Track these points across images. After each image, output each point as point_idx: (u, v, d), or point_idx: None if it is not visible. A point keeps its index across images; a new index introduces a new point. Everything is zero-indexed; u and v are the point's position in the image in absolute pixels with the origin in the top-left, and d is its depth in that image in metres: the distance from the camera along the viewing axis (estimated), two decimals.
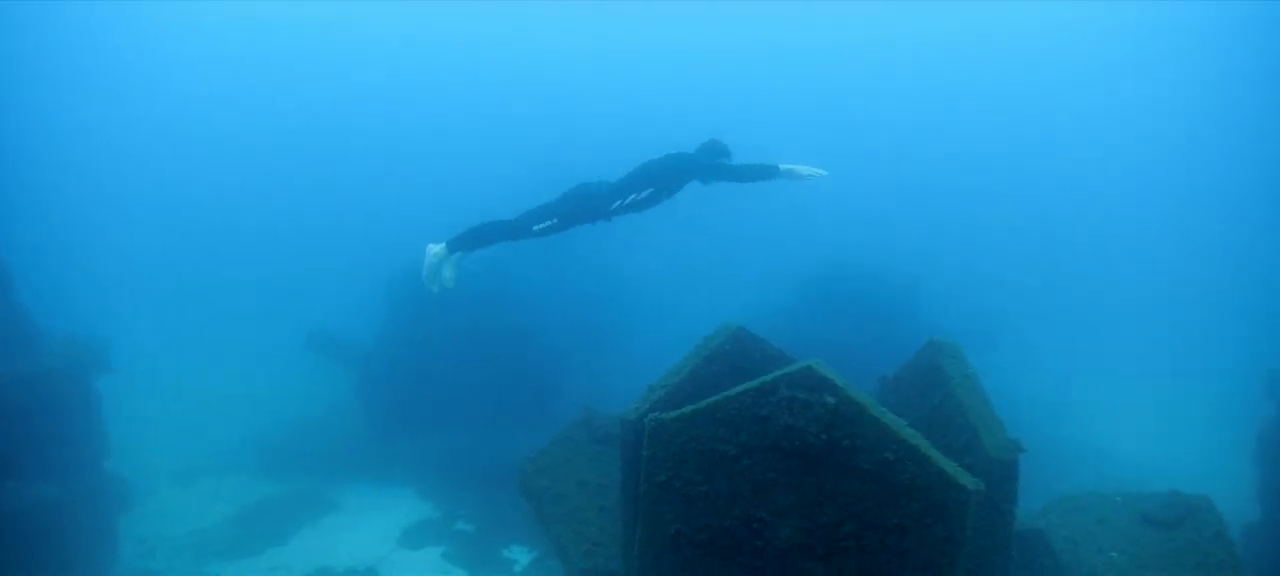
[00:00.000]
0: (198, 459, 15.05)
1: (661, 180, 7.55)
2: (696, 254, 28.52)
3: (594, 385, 13.94)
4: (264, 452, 15.19)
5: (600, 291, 18.88)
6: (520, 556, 11.44)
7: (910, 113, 40.09)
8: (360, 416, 15.70)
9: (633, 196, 7.51)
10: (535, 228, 7.52)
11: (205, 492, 13.78)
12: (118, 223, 36.53)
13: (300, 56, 45.51)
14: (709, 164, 7.60)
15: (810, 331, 15.90)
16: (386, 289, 16.90)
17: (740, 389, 4.61)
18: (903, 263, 18.05)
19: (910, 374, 5.64)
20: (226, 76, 44.13)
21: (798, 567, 4.57)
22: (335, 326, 17.30)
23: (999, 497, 4.60)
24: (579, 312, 18.18)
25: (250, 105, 44.68)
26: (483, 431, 14.50)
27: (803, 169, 7.53)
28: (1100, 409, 19.23)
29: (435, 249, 7.49)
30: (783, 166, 7.51)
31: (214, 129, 43.55)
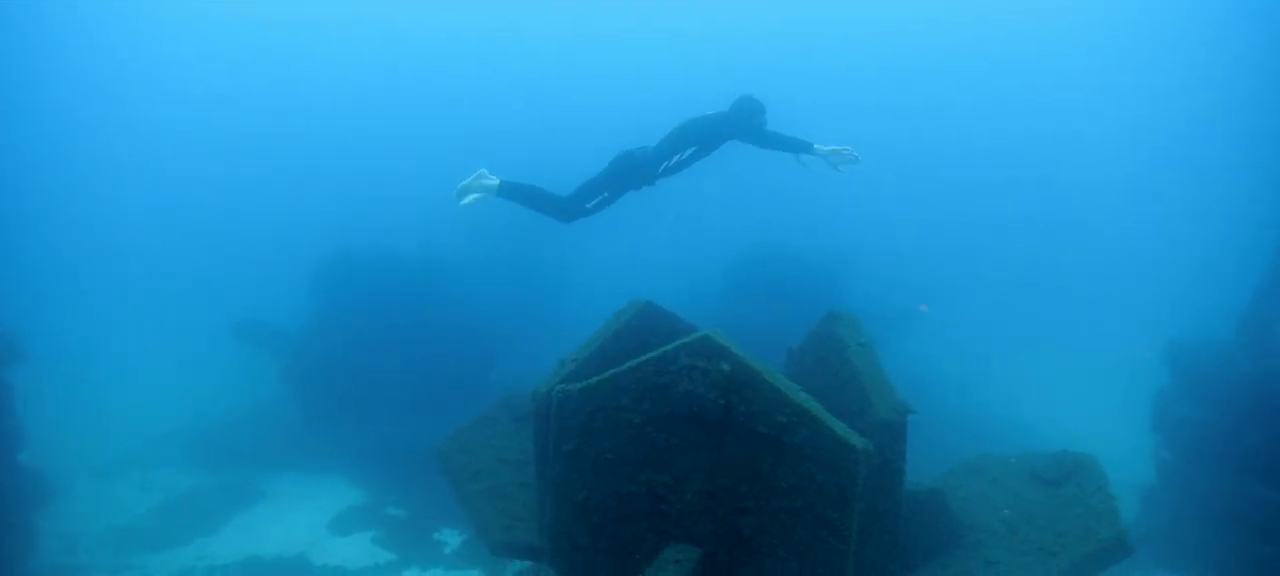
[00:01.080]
0: (122, 452, 14.75)
1: (701, 139, 7.77)
2: (630, 239, 28.70)
3: (528, 369, 14.02)
4: (191, 444, 14.98)
5: (534, 277, 18.95)
6: (451, 539, 11.49)
7: (838, 96, 40.69)
8: (290, 405, 15.55)
9: (676, 157, 7.74)
10: (588, 205, 7.76)
11: (130, 486, 13.53)
12: (38, 211, 35.38)
13: (251, 45, 44.51)
14: (748, 125, 7.75)
15: (739, 312, 16.23)
16: (316, 275, 16.76)
17: (642, 359, 4.76)
18: (827, 244, 18.43)
19: (813, 344, 5.84)
20: (163, 64, 42.96)
21: (701, 528, 4.74)
22: (262, 314, 17.09)
23: (890, 456, 4.82)
24: (513, 298, 18.25)
25: (179, 94, 43.55)
26: (415, 417, 14.48)
27: (835, 149, 7.75)
28: (1021, 382, 19.92)
29: (489, 179, 7.60)
30: (818, 147, 7.74)
31: (138, 115, 42.38)
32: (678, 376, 4.63)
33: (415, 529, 11.84)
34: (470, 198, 7.57)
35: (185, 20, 42.85)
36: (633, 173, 7.68)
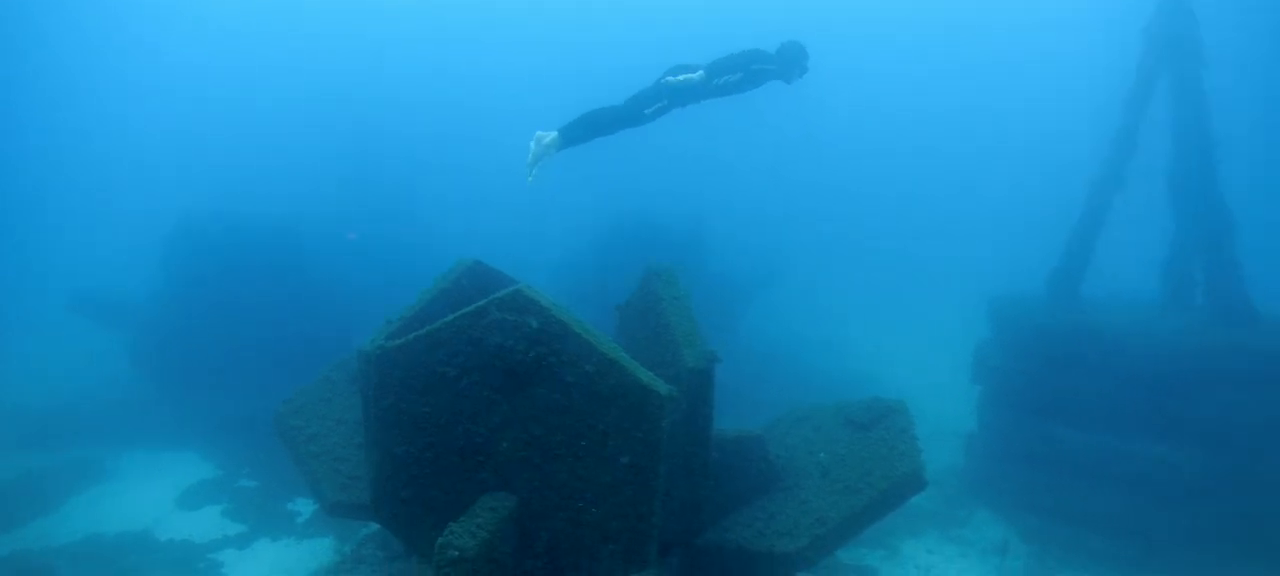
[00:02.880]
0: None
1: (748, 69, 8.04)
2: (499, 210, 28.64)
3: None
4: (26, 422, 14.21)
5: (393, 247, 18.67)
6: (304, 508, 11.35)
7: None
8: (136, 379, 14.94)
9: (726, 77, 7.98)
10: (647, 111, 7.94)
11: None
12: None
13: None
14: (789, 68, 8.16)
15: (607, 280, 16.43)
16: (165, 245, 16.08)
17: (456, 315, 4.88)
18: (691, 211, 18.83)
19: (635, 299, 6.08)
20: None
21: (518, 477, 4.91)
22: (103, 286, 16.31)
23: (698, 402, 5.08)
24: (375, 269, 17.95)
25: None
26: (274, 388, 14.09)
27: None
28: (875, 338, 20.96)
29: (546, 136, 7.71)
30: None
31: None
32: (489, 330, 4.76)
33: (268, 499, 11.64)
34: (537, 167, 7.77)
35: None
36: (685, 87, 7.89)
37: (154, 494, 12.02)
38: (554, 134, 7.81)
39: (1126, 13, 11.02)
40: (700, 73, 7.97)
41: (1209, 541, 9.18)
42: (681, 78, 7.94)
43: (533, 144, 7.80)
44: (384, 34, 42.31)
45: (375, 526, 7.91)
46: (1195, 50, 9.93)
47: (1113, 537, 9.39)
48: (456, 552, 4.25)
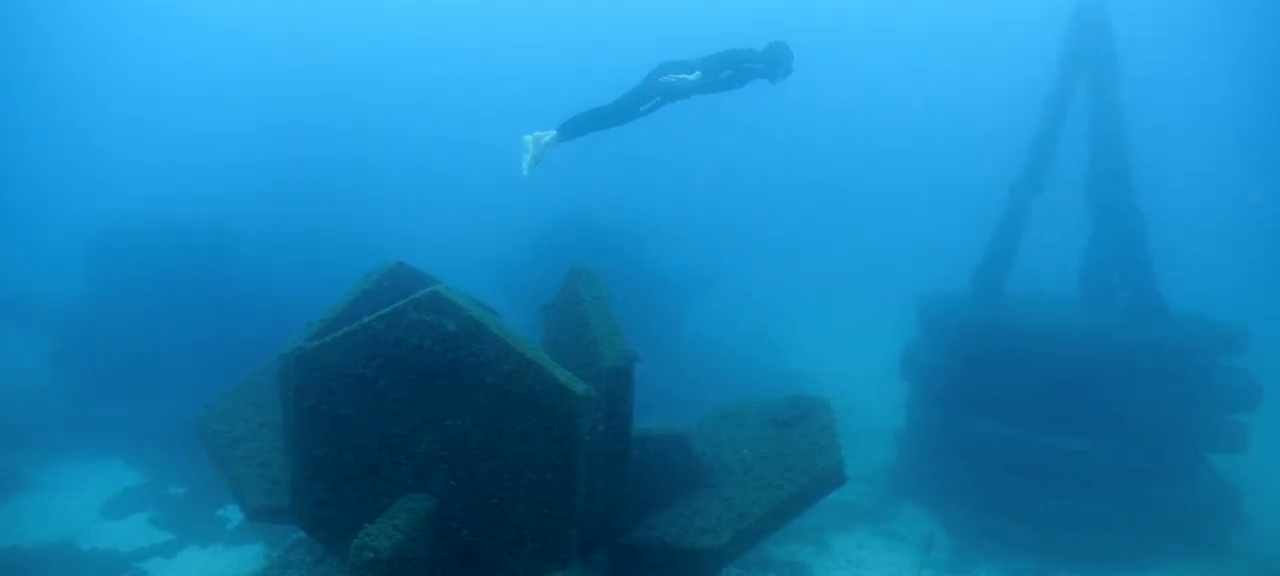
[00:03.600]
0: None
1: (739, 67, 8.20)
2: (434, 213, 28.54)
3: None
4: None
5: (329, 250, 18.44)
6: (234, 515, 11.15)
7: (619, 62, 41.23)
8: (58, 385, 14.53)
9: (718, 75, 8.15)
10: (642, 108, 8.08)
11: None
12: None
13: None
14: (775, 68, 8.29)
15: (545, 283, 16.41)
16: (89, 247, 15.67)
17: (374, 316, 4.87)
18: (630, 211, 18.93)
19: (559, 300, 6.12)
20: None
21: (437, 478, 4.91)
22: (23, 289, 15.83)
23: (617, 401, 5.13)
24: (309, 270, 17.71)
25: None
26: (205, 393, 13.82)
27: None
28: (812, 336, 21.27)
29: (544, 136, 7.89)
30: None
31: None
32: (408, 331, 4.76)
33: (196, 506, 11.43)
34: (530, 160, 7.91)
35: None
36: (676, 87, 8.02)
37: (77, 503, 11.73)
38: (552, 133, 7.93)
39: (1050, 17, 11.32)
40: (697, 74, 8.10)
41: (1122, 529, 9.52)
42: (678, 77, 8.06)
43: (531, 142, 7.91)
44: (322, 32, 41.77)
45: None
46: (1110, 60, 10.28)
47: (1034, 528, 9.67)
48: (371, 554, 4.25)
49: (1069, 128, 10.65)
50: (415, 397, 4.84)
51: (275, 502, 6.19)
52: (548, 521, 4.84)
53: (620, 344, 5.27)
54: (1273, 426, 11.03)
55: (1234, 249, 27.88)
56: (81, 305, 15.09)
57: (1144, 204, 10.34)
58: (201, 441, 6.97)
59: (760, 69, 8.31)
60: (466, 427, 4.81)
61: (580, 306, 5.61)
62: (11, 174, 33.01)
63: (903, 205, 33.96)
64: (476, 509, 4.89)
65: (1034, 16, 12.40)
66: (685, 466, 6.27)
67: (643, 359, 5.19)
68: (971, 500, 10.10)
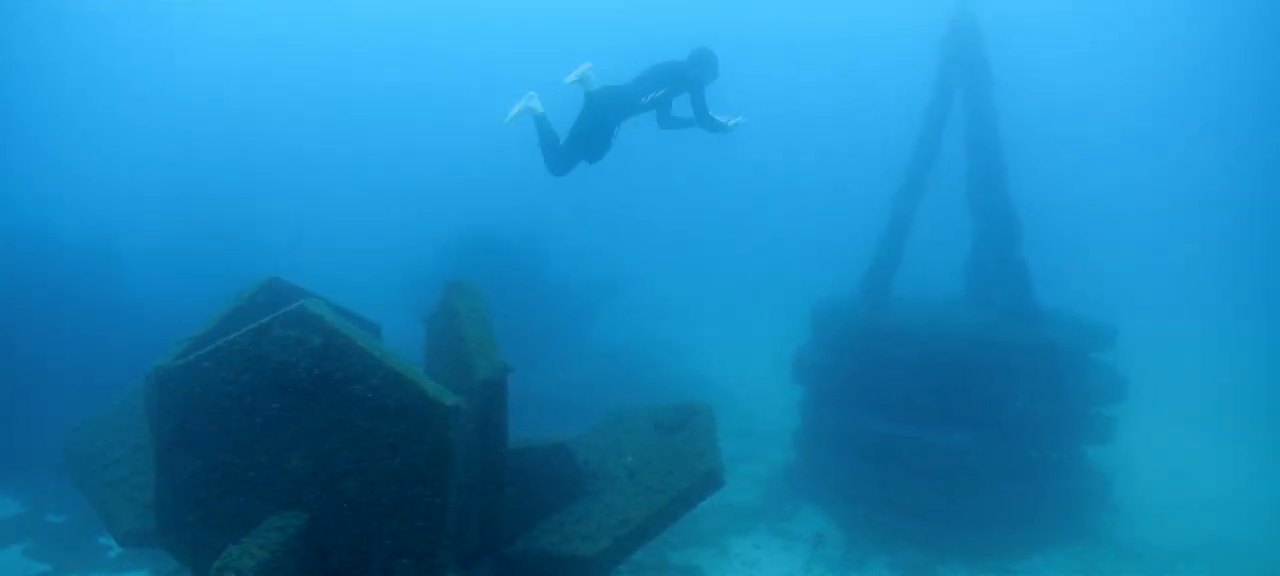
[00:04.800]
0: None
1: (671, 82, 8.37)
2: (340, 227, 28.08)
3: None
4: None
5: (225, 264, 17.93)
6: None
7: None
8: None
9: (655, 93, 8.34)
10: (604, 156, 8.39)
11: None
12: None
13: None
14: (698, 77, 8.42)
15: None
16: None
17: (240, 332, 4.81)
18: (532, 222, 18.91)
19: (439, 313, 6.11)
20: None
21: (307, 495, 4.86)
22: None
23: (490, 412, 5.16)
24: (200, 287, 17.18)
25: None
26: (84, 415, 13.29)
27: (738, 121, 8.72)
28: (719, 342, 21.57)
29: (537, 106, 8.22)
30: (726, 119, 8.59)
31: None
32: (273, 347, 4.72)
33: (77, 535, 10.97)
34: (517, 109, 8.16)
35: None
36: (617, 107, 8.20)
37: None
38: (541, 110, 8.29)
39: (933, 25, 11.71)
40: (650, 96, 8.39)
41: (1002, 520, 9.94)
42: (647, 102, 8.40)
43: (528, 99, 8.30)
44: (226, 38, 40.57)
45: None
46: (985, 68, 10.73)
47: (921, 522, 10.01)
48: (233, 574, 4.19)
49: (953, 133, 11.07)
50: (283, 414, 4.79)
51: (148, 526, 6.03)
52: (421, 535, 4.84)
53: (494, 356, 5.30)
54: (1136, 417, 11.67)
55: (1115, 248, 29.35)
56: None
57: (1019, 207, 10.81)
58: (68, 465, 6.76)
59: (693, 77, 8.43)
60: (336, 443, 4.78)
61: (456, 319, 5.63)
62: None
63: (807, 208, 34.65)
64: (348, 525, 4.86)
65: (924, 24, 12.82)
66: (568, 475, 6.33)
67: (515, 369, 5.23)
68: (863, 497, 10.39)
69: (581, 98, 8.31)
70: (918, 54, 12.45)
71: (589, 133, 8.27)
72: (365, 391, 4.69)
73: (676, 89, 8.46)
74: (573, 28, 41.58)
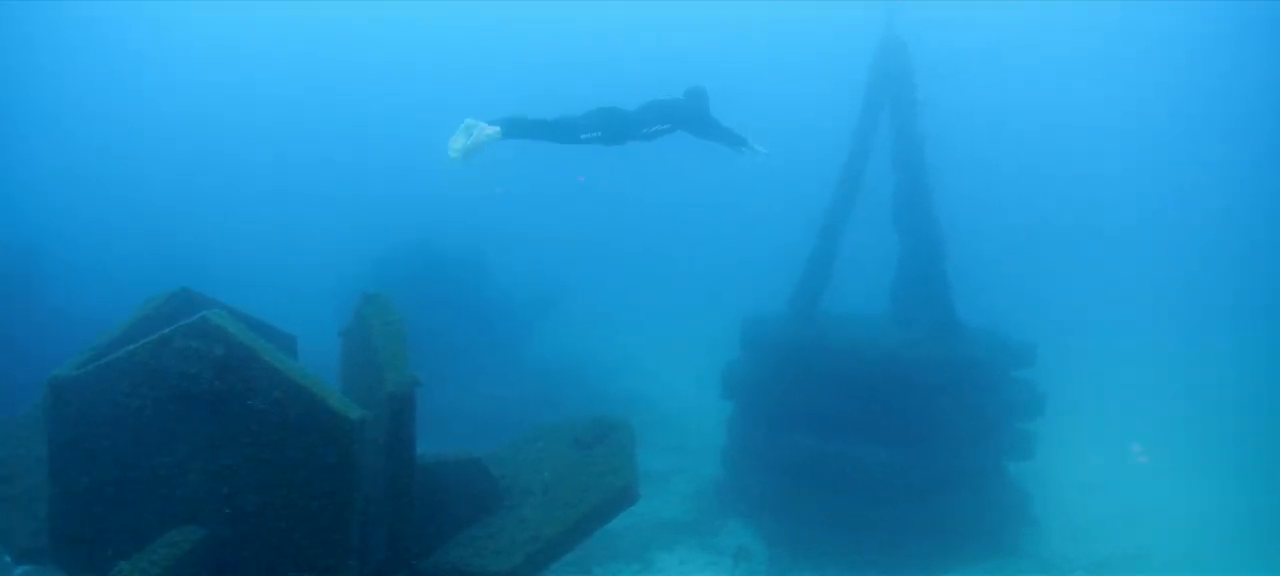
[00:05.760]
0: None
1: (675, 118, 8.56)
2: (276, 238, 27.70)
3: None
4: None
5: (146, 277, 17.55)
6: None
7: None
8: None
9: (657, 127, 8.50)
10: (583, 137, 8.20)
11: None
12: None
13: None
14: (701, 117, 8.72)
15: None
16: None
17: (139, 343, 4.72)
18: (471, 235, 18.82)
19: (354, 325, 6.06)
20: None
21: (207, 509, 4.78)
22: None
23: (399, 426, 5.12)
24: (129, 294, 16.76)
25: None
26: None
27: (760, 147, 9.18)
28: (655, 357, 21.64)
29: (487, 128, 7.79)
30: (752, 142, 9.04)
31: None
32: (174, 359, 4.65)
33: None
34: (465, 151, 7.78)
35: None
36: (622, 126, 8.32)
37: None
38: (495, 129, 7.91)
39: (863, 47, 11.92)
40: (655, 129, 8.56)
41: (925, 534, 10.11)
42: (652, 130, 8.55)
43: (470, 128, 7.87)
44: (163, 42, 39.75)
45: None
46: (910, 91, 10.98)
47: (845, 537, 10.14)
48: None
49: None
50: (183, 426, 4.71)
51: (44, 543, 5.87)
52: (325, 549, 4.79)
53: (404, 369, 5.26)
54: (1055, 433, 11.98)
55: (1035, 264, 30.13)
56: None
57: (944, 225, 11.06)
58: None
59: (689, 112, 8.73)
60: (237, 457, 4.71)
61: (369, 332, 5.58)
62: None
63: (748, 224, 34.93)
64: (251, 539, 4.79)
65: (854, 46, 13.05)
66: (484, 489, 6.30)
67: (424, 382, 5.18)
68: (788, 512, 10.49)
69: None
70: (849, 75, 12.67)
71: (579, 126, 8.34)
72: (268, 404, 4.64)
73: (676, 126, 8.75)
74: (510, 40, 41.68)
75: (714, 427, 13.79)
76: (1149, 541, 11.17)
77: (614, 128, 8.38)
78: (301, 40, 42.14)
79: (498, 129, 8.00)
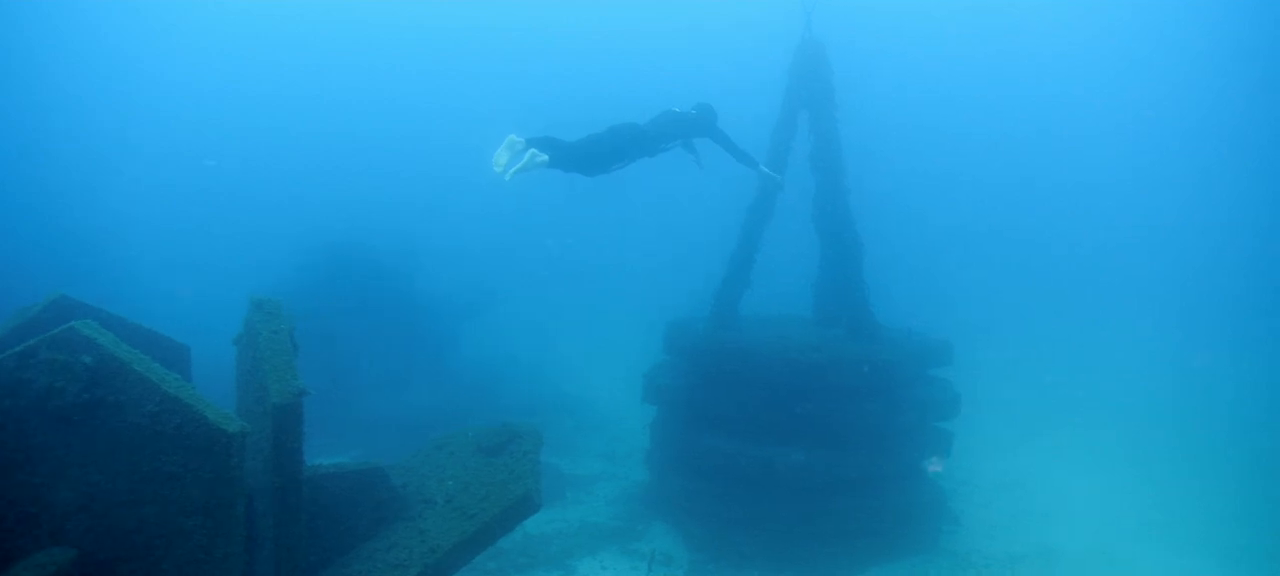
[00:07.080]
0: None
1: (684, 132, 8.99)
2: (183, 241, 27.03)
3: None
4: None
5: (88, 286, 16.99)
6: None
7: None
8: None
9: (672, 141, 8.91)
10: (613, 166, 8.48)
11: None
12: None
13: None
14: (711, 132, 9.23)
15: (313, 310, 15.77)
16: None
17: (2, 355, 4.51)
18: (402, 237, 18.56)
19: (244, 333, 5.88)
20: None
21: (77, 529, 4.59)
22: None
23: (284, 438, 4.98)
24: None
25: None
26: None
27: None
28: (589, 362, 21.57)
29: (537, 156, 7.80)
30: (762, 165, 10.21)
31: None
32: (39, 371, 4.46)
33: None
34: (509, 169, 7.79)
35: None
36: (639, 143, 8.55)
37: None
38: (544, 157, 7.91)
39: (783, 47, 11.99)
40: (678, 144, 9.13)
41: (845, 535, 10.20)
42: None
43: (515, 144, 7.89)
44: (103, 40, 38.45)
45: None
46: (829, 94, 11.07)
47: (765, 539, 10.18)
48: None
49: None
50: (50, 442, 4.52)
51: None
52: (208, 567, 4.63)
53: (289, 379, 5.12)
54: (977, 431, 12.23)
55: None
56: None
57: (860, 226, 11.18)
58: None
59: (698, 125, 9.13)
60: (109, 473, 4.54)
61: (256, 340, 5.42)
62: None
63: (677, 228, 35.04)
64: (126, 559, 4.62)
65: (774, 47, 13.13)
66: (385, 499, 6.18)
67: (311, 392, 5.05)
68: (709, 516, 10.50)
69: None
70: (768, 76, 12.74)
71: (607, 152, 8.46)
72: (142, 417, 4.47)
73: (690, 137, 9.16)
74: (457, 41, 41.29)
75: (644, 432, 13.81)
76: (1059, 538, 11.43)
77: (633, 145, 8.59)
78: (242, 37, 41.18)
79: (546, 157, 8.03)
